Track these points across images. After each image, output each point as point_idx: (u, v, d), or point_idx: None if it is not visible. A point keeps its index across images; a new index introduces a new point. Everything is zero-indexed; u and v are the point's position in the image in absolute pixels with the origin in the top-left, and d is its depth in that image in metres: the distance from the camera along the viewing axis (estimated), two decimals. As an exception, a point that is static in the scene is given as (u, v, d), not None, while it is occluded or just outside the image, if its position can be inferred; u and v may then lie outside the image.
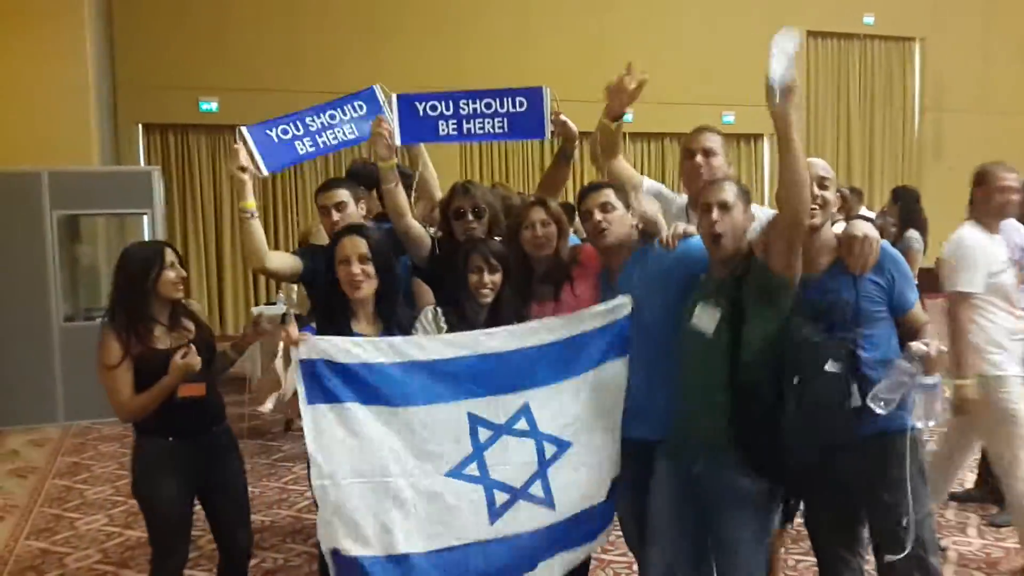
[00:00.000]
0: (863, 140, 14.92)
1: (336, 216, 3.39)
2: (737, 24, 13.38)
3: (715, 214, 2.62)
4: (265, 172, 3.37)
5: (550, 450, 2.85)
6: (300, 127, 3.41)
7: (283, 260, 3.37)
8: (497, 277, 3.01)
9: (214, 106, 11.35)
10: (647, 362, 2.96)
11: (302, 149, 3.41)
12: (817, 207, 2.70)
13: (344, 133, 3.46)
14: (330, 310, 2.87)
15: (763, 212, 2.94)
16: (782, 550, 3.89)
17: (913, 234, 6.28)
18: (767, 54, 2.38)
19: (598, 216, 2.97)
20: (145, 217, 8.07)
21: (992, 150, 12.53)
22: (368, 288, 2.85)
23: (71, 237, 8.19)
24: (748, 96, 13.56)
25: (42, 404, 7.37)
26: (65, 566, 4.36)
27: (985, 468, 4.81)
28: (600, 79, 3.23)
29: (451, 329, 2.93)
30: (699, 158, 3.13)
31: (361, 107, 3.47)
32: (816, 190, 2.70)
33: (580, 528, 2.96)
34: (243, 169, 3.19)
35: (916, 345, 2.47)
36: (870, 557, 2.89)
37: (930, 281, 5.83)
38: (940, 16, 14.71)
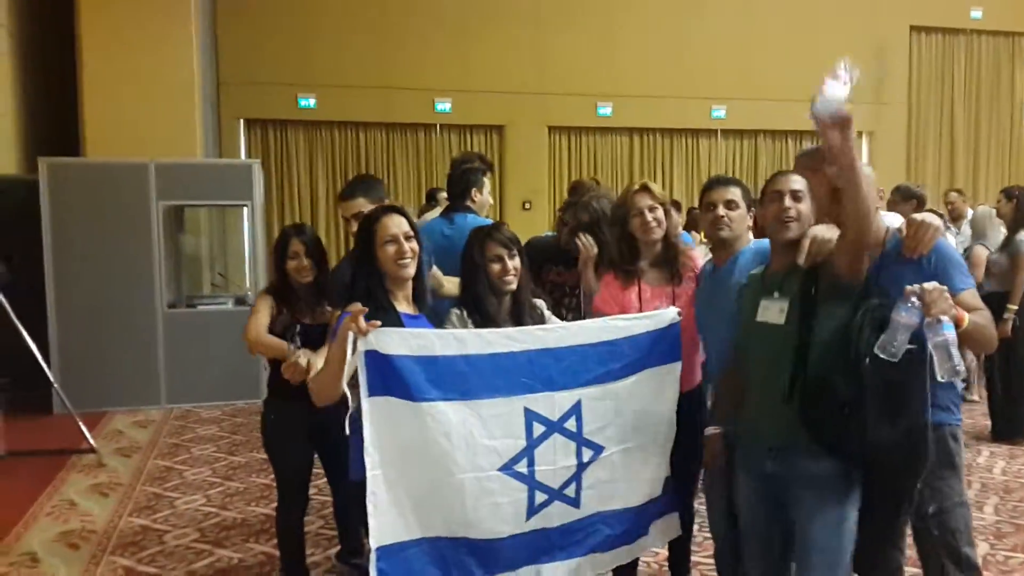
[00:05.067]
0: (967, 138, 14.36)
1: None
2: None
3: (787, 200, 2.66)
4: None
5: (587, 454, 2.87)
6: None
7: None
8: (517, 261, 2.98)
9: (312, 102, 11.66)
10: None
11: None
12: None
13: None
14: (371, 293, 2.70)
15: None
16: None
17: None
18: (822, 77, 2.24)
19: (721, 211, 3.09)
20: (245, 209, 8.32)
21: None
22: (414, 266, 2.76)
23: (175, 227, 8.49)
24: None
25: (146, 387, 7.67)
26: (164, 543, 4.53)
27: None
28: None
29: (477, 327, 2.86)
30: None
31: None
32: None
33: (606, 530, 2.97)
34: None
35: (908, 288, 2.35)
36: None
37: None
38: (1053, 9, 14.06)
